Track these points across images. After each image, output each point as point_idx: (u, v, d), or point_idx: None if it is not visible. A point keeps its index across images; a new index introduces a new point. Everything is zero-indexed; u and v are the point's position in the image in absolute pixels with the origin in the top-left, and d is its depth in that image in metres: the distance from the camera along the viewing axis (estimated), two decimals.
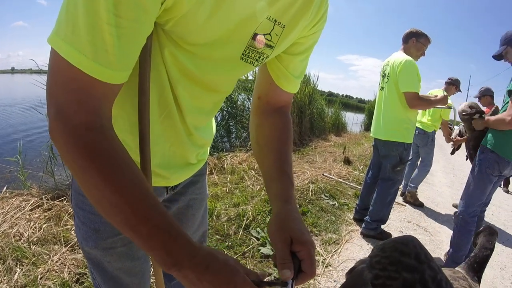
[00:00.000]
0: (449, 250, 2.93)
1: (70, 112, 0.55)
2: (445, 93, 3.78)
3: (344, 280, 0.72)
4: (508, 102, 2.49)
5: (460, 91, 4.74)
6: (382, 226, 3.41)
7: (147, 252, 0.59)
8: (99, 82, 0.55)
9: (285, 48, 0.84)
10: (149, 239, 0.57)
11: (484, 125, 2.73)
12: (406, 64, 2.97)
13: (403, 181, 4.60)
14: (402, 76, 2.96)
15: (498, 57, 2.79)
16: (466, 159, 3.45)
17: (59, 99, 0.55)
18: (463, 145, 3.99)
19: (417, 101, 2.98)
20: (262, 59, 0.80)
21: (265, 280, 0.65)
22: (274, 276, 2.34)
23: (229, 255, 0.64)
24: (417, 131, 4.60)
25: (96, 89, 0.55)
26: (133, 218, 0.56)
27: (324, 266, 2.68)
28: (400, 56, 3.08)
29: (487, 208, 3.11)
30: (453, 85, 4.68)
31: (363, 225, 3.41)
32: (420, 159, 4.76)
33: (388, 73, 3.12)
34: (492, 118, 2.61)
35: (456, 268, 1.31)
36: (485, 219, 4.53)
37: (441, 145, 5.46)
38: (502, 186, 6.62)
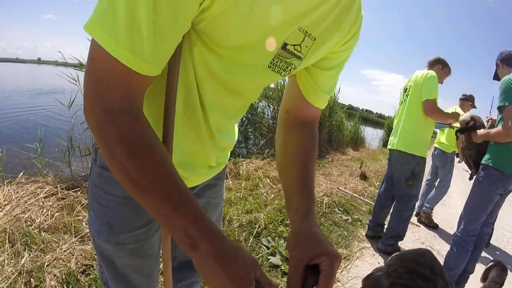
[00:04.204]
0: None
1: (104, 95, 0.57)
2: (457, 111, 3.93)
3: (360, 287, 0.74)
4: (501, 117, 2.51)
5: (475, 107, 4.71)
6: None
7: (169, 232, 0.60)
8: (134, 73, 0.57)
9: (315, 61, 0.84)
10: (169, 219, 0.58)
11: (482, 139, 2.70)
12: (430, 74, 3.10)
13: (419, 200, 4.54)
14: (426, 85, 3.07)
15: (498, 78, 2.83)
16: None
17: (95, 83, 0.58)
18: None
19: (434, 108, 3.07)
20: (290, 70, 0.79)
21: None
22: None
23: (250, 256, 0.62)
24: (436, 151, 4.60)
25: (131, 78, 0.58)
26: (154, 197, 0.58)
27: None
28: (424, 70, 3.21)
29: (503, 234, 3.00)
30: (467, 101, 4.67)
31: (380, 240, 3.41)
32: (438, 179, 4.69)
33: (411, 86, 3.22)
34: (493, 130, 2.59)
35: None
36: (500, 246, 4.41)
37: (460, 168, 5.36)
38: None
